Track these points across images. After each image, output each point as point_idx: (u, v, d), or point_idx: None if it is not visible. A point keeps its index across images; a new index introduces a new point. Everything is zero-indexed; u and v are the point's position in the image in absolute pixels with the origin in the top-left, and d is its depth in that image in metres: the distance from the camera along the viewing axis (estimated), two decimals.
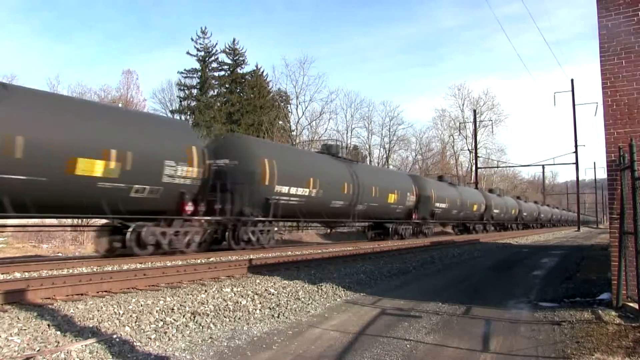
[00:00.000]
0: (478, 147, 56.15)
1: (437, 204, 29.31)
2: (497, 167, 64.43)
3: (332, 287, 8.11)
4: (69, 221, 15.39)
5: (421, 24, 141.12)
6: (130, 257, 12.16)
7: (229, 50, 50.35)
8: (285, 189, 16.96)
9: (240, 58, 50.78)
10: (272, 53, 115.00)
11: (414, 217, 27.02)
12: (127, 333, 4.96)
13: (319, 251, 15.20)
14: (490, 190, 47.00)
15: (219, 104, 48.72)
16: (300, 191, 17.78)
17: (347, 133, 54.61)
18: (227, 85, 50.40)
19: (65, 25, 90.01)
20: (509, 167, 68.19)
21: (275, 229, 17.67)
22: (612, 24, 6.30)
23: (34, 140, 10.18)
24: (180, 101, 48.75)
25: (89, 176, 11.19)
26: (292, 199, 17.42)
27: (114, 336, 4.78)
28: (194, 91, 49.09)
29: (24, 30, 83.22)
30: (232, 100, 48.26)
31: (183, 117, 46.98)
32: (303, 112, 50.21)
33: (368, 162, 49.35)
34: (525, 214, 52.37)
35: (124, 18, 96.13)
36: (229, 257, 13.12)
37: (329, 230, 28.73)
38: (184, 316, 5.78)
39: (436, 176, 37.37)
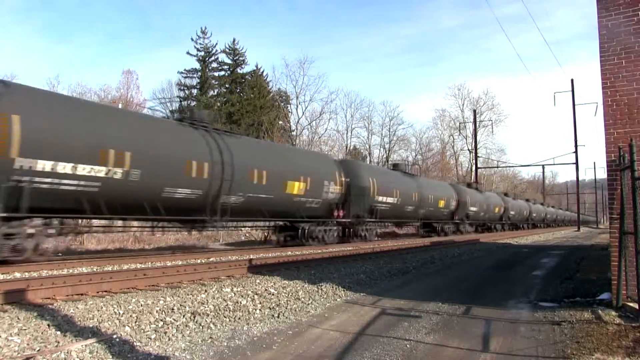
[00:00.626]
0: (478, 147, 56.18)
1: (471, 208, 34.54)
2: (497, 167, 64.46)
3: (332, 287, 8.11)
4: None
5: (421, 24, 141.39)
6: (299, 246, 17.11)
7: (229, 50, 50.36)
8: (382, 198, 22.64)
9: (240, 58, 50.79)
10: (272, 53, 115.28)
11: (455, 218, 32.53)
12: (127, 333, 4.96)
13: (319, 251, 15.20)
14: (506, 194, 48.59)
15: (219, 104, 48.67)
16: (389, 199, 23.45)
17: (347, 133, 54.70)
18: (227, 85, 50.39)
19: (65, 26, 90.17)
20: (509, 167, 68.31)
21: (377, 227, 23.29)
22: (612, 24, 6.30)
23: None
24: (180, 101, 48.69)
25: (291, 193, 17.11)
26: (385, 205, 23.06)
27: (114, 336, 4.78)
28: (194, 91, 49.07)
29: (25, 31, 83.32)
30: (232, 100, 48.24)
31: None
32: (303, 112, 50.25)
33: (368, 162, 49.56)
34: (534, 214, 55.81)
35: (124, 18, 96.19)
36: (229, 257, 13.13)
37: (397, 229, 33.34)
38: (184, 316, 5.78)
39: (466, 184, 41.48)
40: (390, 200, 23.73)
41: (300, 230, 17.97)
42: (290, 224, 18.27)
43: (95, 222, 14.34)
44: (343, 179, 20.24)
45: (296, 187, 17.44)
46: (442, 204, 30.04)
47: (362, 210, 21.26)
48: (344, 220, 20.20)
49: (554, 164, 58.47)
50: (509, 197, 47.52)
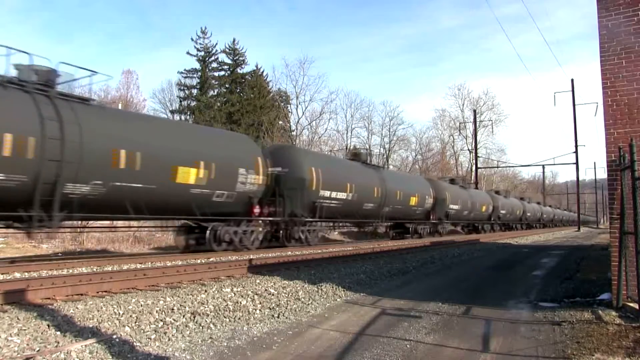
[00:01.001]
0: (478, 147, 56.18)
1: (451, 206, 30.68)
2: (497, 167, 64.47)
3: (332, 287, 8.11)
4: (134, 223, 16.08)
5: (421, 24, 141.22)
6: (205, 252, 14.14)
7: (229, 50, 50.34)
8: (327, 193, 18.83)
9: (240, 58, 50.77)
10: (273, 53, 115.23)
11: (431, 217, 28.41)
12: (127, 333, 4.96)
13: (319, 251, 15.20)
14: (497, 192, 46.79)
15: (219, 104, 48.69)
16: (340, 195, 19.55)
17: (347, 133, 54.64)
18: (227, 85, 50.38)
19: (66, 26, 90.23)
20: (509, 167, 68.28)
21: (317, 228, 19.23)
22: (612, 24, 6.30)
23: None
24: (180, 101, 48.74)
25: (185, 183, 13.33)
26: (332, 202, 19.18)
27: (114, 336, 4.78)
28: (194, 91, 49.06)
29: (25, 30, 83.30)
30: (232, 100, 48.23)
31: (183, 118, 46.98)
32: (303, 112, 50.22)
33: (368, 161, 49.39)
34: (529, 214, 53.23)
35: (124, 18, 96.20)
36: (229, 257, 13.12)
37: (357, 230, 29.62)
38: (184, 316, 5.78)
39: (448, 179, 37.89)
40: (340, 195, 19.61)
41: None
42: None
43: None
44: (265, 168, 16.31)
45: (413, 200, 15.97)
46: (414, 201, 25.52)
47: (300, 207, 17.48)
48: (434, 221, 17.91)
49: (554, 164, 58.26)
50: (500, 194, 44.92)
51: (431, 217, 28.31)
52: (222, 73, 50.65)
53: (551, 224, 68.64)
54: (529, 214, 53.16)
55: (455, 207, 31.38)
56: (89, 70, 12.32)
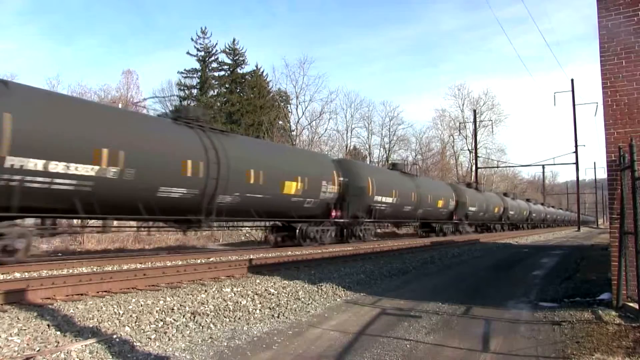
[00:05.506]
0: (478, 147, 56.14)
1: (470, 208, 34.26)
2: (497, 167, 64.38)
3: (332, 287, 8.11)
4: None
5: (422, 25, 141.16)
6: (296, 247, 17.07)
7: (229, 50, 50.36)
8: (380, 198, 22.27)
9: (240, 58, 50.79)
10: (273, 54, 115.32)
11: (454, 218, 32.24)
12: (127, 333, 4.96)
13: (319, 251, 15.19)
14: (505, 194, 48.30)
15: (219, 104, 48.69)
16: (388, 199, 23.05)
17: (347, 133, 54.64)
18: (227, 85, 50.38)
19: (70, 28, 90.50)
20: (509, 167, 68.21)
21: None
22: (612, 24, 6.30)
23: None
24: (180, 101, 48.72)
25: (288, 194, 16.95)
26: (383, 205, 22.66)
27: (114, 336, 4.78)
28: (194, 91, 49.09)
29: (31, 32, 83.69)
30: (232, 100, 48.23)
31: None
32: (303, 112, 50.17)
33: (368, 162, 49.55)
34: (534, 215, 55.43)
35: (127, 20, 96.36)
36: (229, 257, 13.13)
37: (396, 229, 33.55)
38: (184, 316, 5.78)
39: (465, 183, 41.31)
40: (388, 200, 23.27)
41: (297, 231, 17.78)
42: (287, 224, 18.15)
43: (91, 222, 14.02)
44: (340, 179, 19.95)
45: (293, 187, 17.12)
46: (440, 203, 29.62)
47: (360, 210, 20.95)
48: (341, 220, 19.94)
49: (554, 164, 58.40)
50: (509, 197, 47.23)
51: (454, 218, 32.18)
52: (222, 73, 50.68)
53: (554, 224, 69.30)
54: (534, 215, 55.52)
55: (473, 208, 34.99)
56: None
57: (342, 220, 19.97)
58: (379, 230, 30.97)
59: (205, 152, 13.66)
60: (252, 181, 15.23)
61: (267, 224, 19.23)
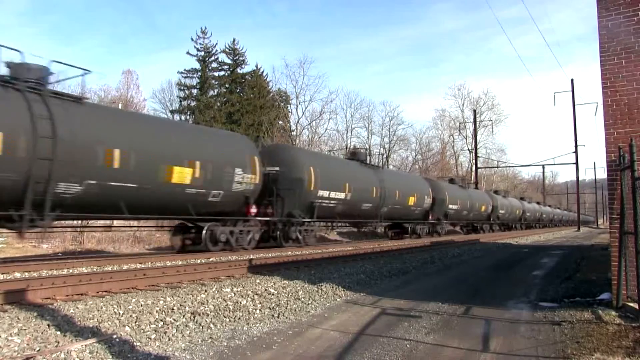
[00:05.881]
0: (478, 147, 56.15)
1: (450, 206, 30.41)
2: (497, 167, 64.43)
3: (332, 287, 8.11)
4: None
5: (422, 25, 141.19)
6: (201, 252, 13.95)
7: (229, 50, 50.30)
8: (325, 193, 18.57)
9: (240, 58, 50.72)
10: (273, 54, 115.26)
11: (430, 217, 28.13)
12: (127, 333, 4.96)
13: (319, 251, 15.19)
14: (496, 192, 46.53)
15: (219, 104, 48.65)
16: (338, 195, 19.30)
17: (347, 133, 54.56)
18: (227, 85, 50.33)
19: (71, 29, 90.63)
20: (509, 167, 68.26)
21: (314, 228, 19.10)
22: (612, 24, 6.30)
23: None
24: (180, 101, 48.70)
25: (179, 183, 13.12)
26: (330, 202, 18.99)
27: (114, 336, 4.78)
28: (194, 91, 49.04)
29: (33, 33, 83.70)
30: (232, 100, 48.20)
31: (183, 118, 46.98)
32: (303, 112, 50.13)
33: (368, 162, 49.40)
34: (528, 214, 53.07)
35: (128, 21, 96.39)
36: (229, 257, 13.12)
37: (356, 230, 29.59)
38: (184, 316, 5.78)
39: (447, 179, 37.70)
40: (338, 195, 19.36)
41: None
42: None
43: None
44: (266, 168, 16.44)
45: (188, 175, 13.26)
46: (412, 201, 25.35)
47: (297, 208, 17.36)
48: (432, 221, 17.38)
49: (554, 164, 58.40)
50: (499, 194, 44.43)
51: (430, 217, 28.06)
52: (222, 73, 50.60)
53: (551, 224, 68.44)
54: (528, 214, 53.05)
55: (455, 207, 31.12)
56: (81, 68, 11.87)
57: (268, 219, 16.74)
58: (335, 233, 28.45)
59: (32, 123, 10.15)
60: (116, 165, 11.52)
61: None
